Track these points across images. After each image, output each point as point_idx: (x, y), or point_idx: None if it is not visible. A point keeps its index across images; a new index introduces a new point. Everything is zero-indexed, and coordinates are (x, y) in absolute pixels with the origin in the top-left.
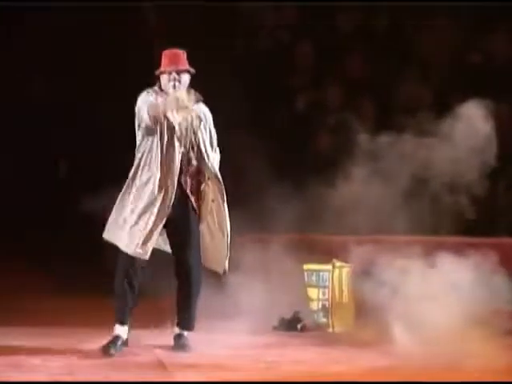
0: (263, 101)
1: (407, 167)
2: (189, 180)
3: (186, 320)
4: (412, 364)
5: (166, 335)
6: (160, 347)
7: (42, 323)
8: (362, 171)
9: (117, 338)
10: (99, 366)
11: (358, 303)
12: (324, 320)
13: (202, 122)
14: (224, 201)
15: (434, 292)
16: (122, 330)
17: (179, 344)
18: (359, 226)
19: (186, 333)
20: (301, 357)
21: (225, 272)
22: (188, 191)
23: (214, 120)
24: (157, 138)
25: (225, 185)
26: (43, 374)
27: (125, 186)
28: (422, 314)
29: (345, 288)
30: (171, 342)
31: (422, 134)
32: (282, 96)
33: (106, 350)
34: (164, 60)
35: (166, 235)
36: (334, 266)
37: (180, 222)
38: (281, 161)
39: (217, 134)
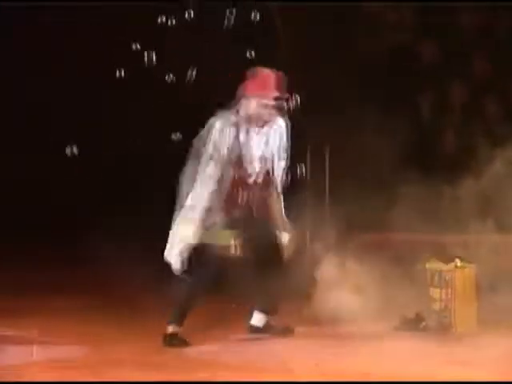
0: (388, 102)
1: None
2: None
3: None
4: None
5: None
6: None
7: None
8: (486, 172)
9: None
10: None
11: (482, 304)
12: (446, 320)
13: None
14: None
15: None
16: None
17: None
18: (485, 226)
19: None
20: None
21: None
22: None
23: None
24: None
25: (349, 186)
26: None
27: None
28: None
29: (468, 288)
30: None
31: None
32: (405, 98)
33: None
34: (259, 83)
35: None
36: (456, 266)
37: None
38: (405, 161)
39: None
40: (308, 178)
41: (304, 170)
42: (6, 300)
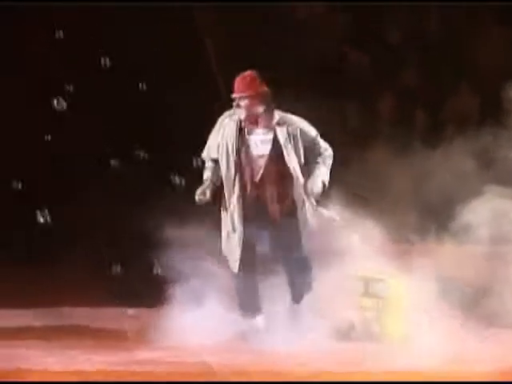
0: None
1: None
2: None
3: None
4: None
5: None
6: None
7: None
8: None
9: None
10: None
11: None
12: (378, 329)
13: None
14: None
15: None
16: None
17: None
18: None
19: None
20: None
21: None
22: None
23: None
24: None
25: None
26: None
27: None
28: None
29: (397, 297)
30: None
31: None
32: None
33: None
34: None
35: None
36: (388, 276)
37: None
38: None
39: None
40: None
41: None
42: None
